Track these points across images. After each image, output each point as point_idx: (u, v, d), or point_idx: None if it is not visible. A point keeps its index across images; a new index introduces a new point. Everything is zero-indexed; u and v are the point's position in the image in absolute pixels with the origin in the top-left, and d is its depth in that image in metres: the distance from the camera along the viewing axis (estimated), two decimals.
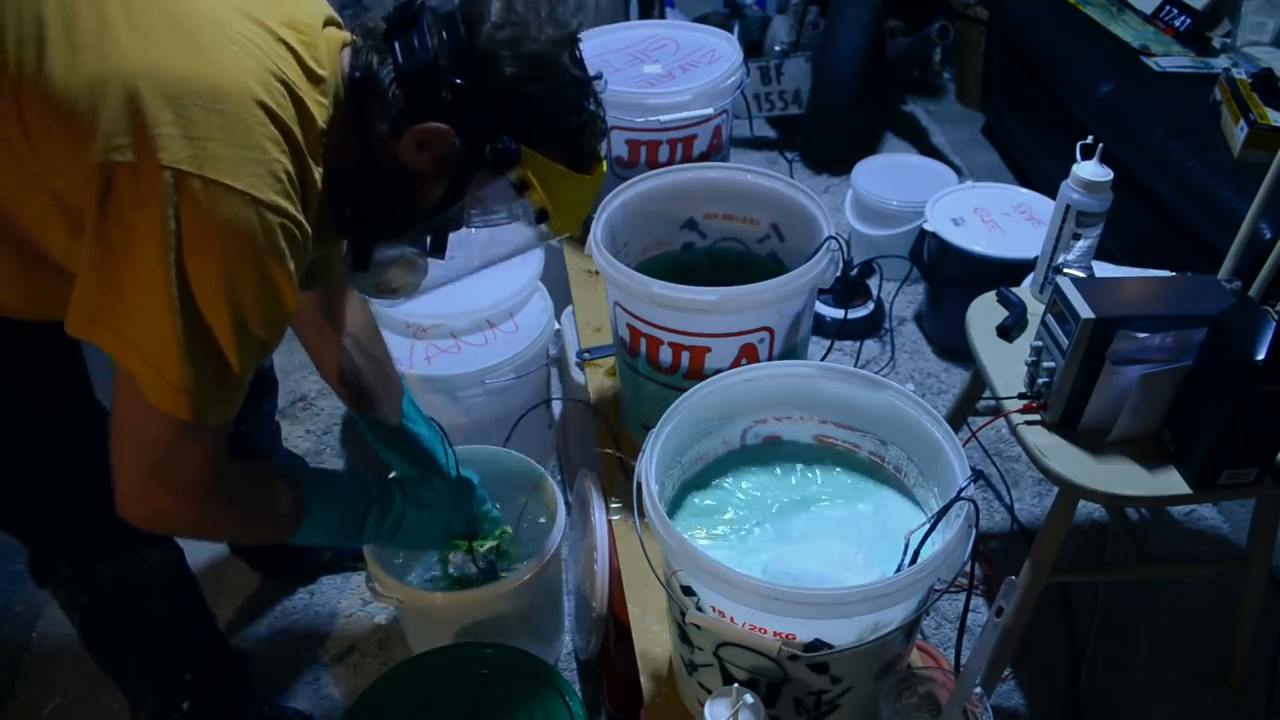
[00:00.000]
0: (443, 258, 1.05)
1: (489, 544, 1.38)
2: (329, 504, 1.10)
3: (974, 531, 0.84)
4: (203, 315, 0.82)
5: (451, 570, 1.38)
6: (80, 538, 1.15)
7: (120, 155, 0.78)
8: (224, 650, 1.40)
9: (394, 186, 0.96)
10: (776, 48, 2.97)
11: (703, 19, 2.97)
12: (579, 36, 0.99)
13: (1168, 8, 2.39)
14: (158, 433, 0.87)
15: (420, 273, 1.03)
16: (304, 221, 0.86)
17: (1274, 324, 1.10)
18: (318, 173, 0.89)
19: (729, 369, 1.03)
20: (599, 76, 1.02)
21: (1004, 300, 1.49)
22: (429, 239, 1.02)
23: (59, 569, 1.17)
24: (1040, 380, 1.28)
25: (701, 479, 1.05)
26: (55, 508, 1.12)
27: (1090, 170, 1.38)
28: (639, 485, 0.88)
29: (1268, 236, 1.64)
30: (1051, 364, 1.26)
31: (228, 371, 0.86)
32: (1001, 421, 1.32)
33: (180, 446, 0.89)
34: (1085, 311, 1.18)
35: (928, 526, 0.87)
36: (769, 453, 1.07)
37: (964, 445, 0.91)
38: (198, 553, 1.82)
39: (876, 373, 1.06)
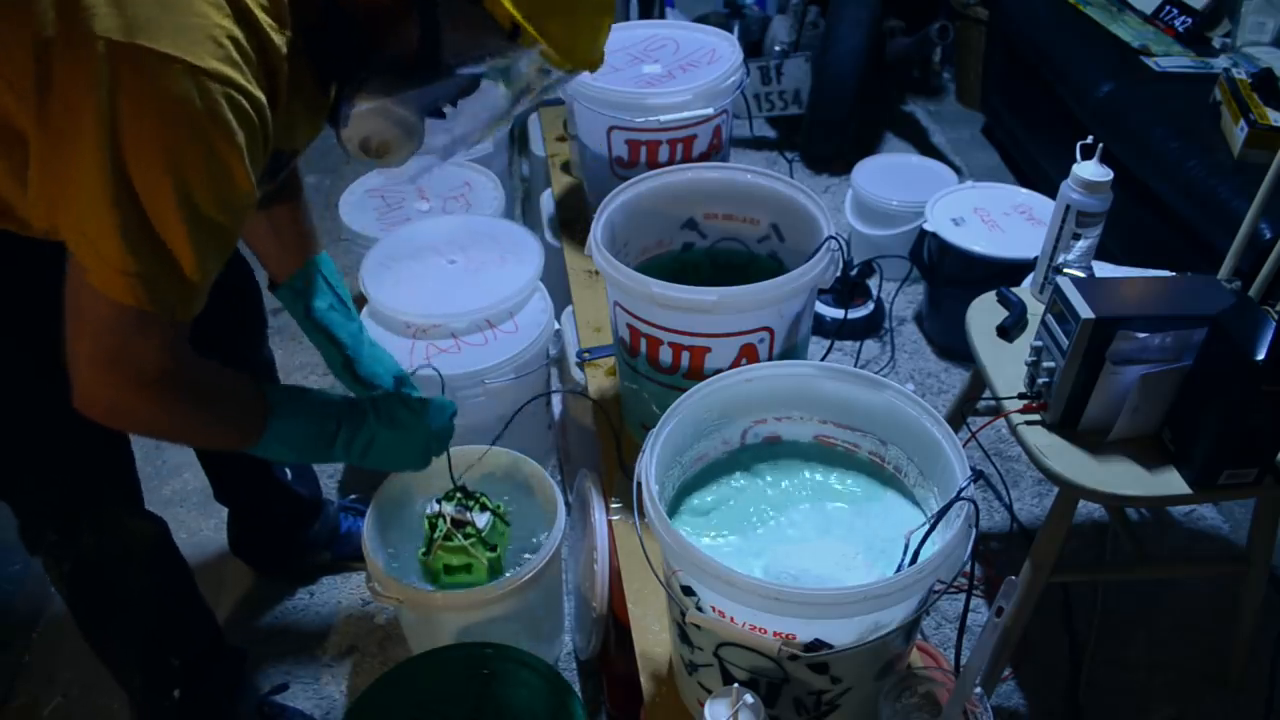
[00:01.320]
0: (441, 116, 1.00)
1: (485, 514, 1.33)
2: (296, 417, 1.06)
3: (974, 531, 0.84)
4: (139, 195, 0.78)
5: (436, 535, 1.32)
6: (62, 501, 1.15)
7: (51, 29, 0.75)
8: (218, 643, 1.40)
9: (365, 32, 0.92)
10: (776, 48, 2.97)
11: (703, 19, 2.97)
12: None
13: (1168, 8, 2.39)
14: (110, 320, 0.84)
15: (408, 129, 0.96)
16: (257, 93, 0.81)
17: (1274, 324, 1.10)
18: (282, 38, 0.85)
19: (729, 369, 1.03)
20: None
21: (1004, 300, 1.49)
22: (423, 95, 0.96)
23: (44, 534, 1.18)
24: (1040, 380, 1.28)
25: (701, 479, 1.05)
26: (40, 469, 1.12)
27: (1090, 170, 1.38)
28: (639, 485, 0.88)
29: (1268, 236, 1.64)
30: (1051, 364, 1.26)
31: (180, 257, 0.82)
32: (1001, 421, 1.32)
33: (135, 335, 0.86)
34: (1085, 311, 1.18)
35: (928, 526, 0.87)
36: (769, 453, 1.07)
37: (964, 445, 0.91)
38: (198, 552, 1.82)
39: (876, 373, 1.06)
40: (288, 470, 1.65)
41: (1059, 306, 1.24)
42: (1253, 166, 1.80)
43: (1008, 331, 1.43)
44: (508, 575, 1.36)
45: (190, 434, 1.06)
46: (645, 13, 2.77)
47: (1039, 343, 1.29)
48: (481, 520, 1.30)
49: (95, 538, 1.19)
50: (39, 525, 1.18)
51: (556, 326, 1.75)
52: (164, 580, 1.31)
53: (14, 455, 1.11)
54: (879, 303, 2.31)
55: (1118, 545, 1.77)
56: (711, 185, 1.33)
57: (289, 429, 1.05)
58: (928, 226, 2.08)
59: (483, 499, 1.34)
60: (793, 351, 1.22)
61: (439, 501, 1.31)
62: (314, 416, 1.09)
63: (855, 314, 2.26)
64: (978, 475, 0.86)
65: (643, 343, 1.19)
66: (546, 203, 1.90)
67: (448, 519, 1.29)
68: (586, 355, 1.48)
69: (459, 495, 1.32)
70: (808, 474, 1.05)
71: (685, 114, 1.49)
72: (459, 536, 1.29)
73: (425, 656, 1.26)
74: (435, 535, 1.29)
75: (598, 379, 1.44)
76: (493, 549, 1.31)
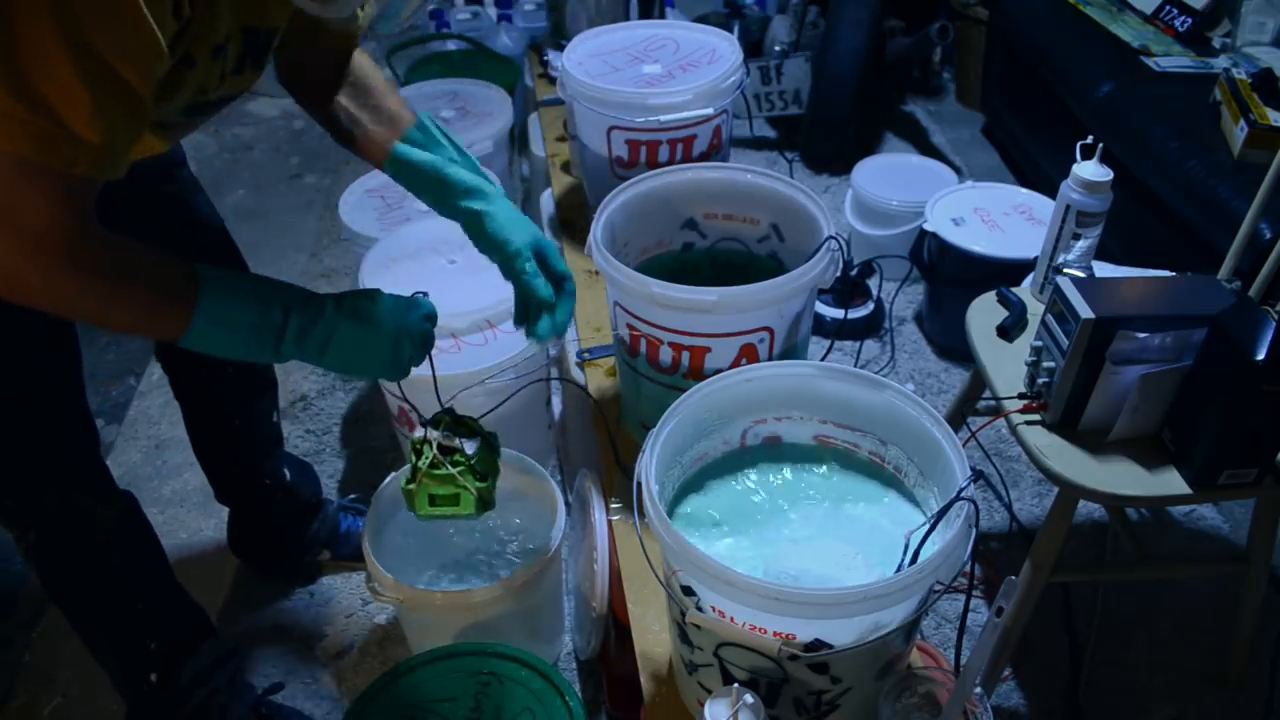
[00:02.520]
0: None
1: (475, 440, 1.20)
2: (233, 298, 0.92)
3: (974, 531, 0.84)
4: (15, 20, 0.72)
5: (421, 462, 1.19)
6: (22, 468, 1.16)
7: None
8: (203, 634, 1.40)
9: None
10: (776, 48, 2.97)
11: (703, 19, 2.97)
12: None
13: (1168, 8, 2.39)
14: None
15: None
16: None
17: (1274, 324, 1.10)
18: None
19: (729, 369, 1.03)
20: None
21: (1004, 300, 1.49)
22: None
23: (5, 501, 1.19)
24: (1040, 380, 1.28)
25: (701, 479, 1.05)
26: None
27: (1090, 170, 1.38)
28: (639, 485, 0.88)
29: (1268, 236, 1.64)
30: (1051, 364, 1.26)
31: (72, 102, 0.75)
32: (1001, 421, 1.32)
33: (20, 187, 0.78)
34: (1085, 311, 1.18)
35: (928, 526, 0.87)
36: (769, 453, 1.07)
37: (964, 445, 0.91)
38: (198, 552, 1.82)
39: (876, 373, 1.06)
40: (287, 471, 1.65)
41: (1059, 306, 1.24)
42: (1253, 166, 1.80)
43: (1008, 331, 1.43)
44: (508, 575, 1.37)
45: (103, 311, 0.90)
46: (645, 13, 2.77)
47: (1039, 343, 1.29)
48: (471, 447, 1.18)
49: (57, 508, 1.20)
50: (1, 493, 1.19)
51: None
52: (133, 560, 1.32)
53: None
54: (879, 303, 2.31)
55: (1118, 545, 1.77)
56: (711, 185, 1.33)
57: (225, 311, 0.91)
58: (928, 226, 2.08)
59: (473, 423, 1.22)
60: (793, 351, 1.22)
61: (424, 426, 1.20)
62: (255, 299, 0.94)
63: (855, 314, 2.26)
64: (978, 475, 0.86)
65: (643, 343, 1.19)
66: (546, 203, 1.90)
67: (434, 444, 1.18)
68: (586, 355, 1.48)
69: (446, 419, 1.21)
70: (808, 474, 1.05)
71: (685, 114, 1.49)
72: (447, 465, 1.17)
73: (425, 656, 1.26)
74: (420, 463, 1.16)
75: (598, 379, 1.44)
76: (483, 479, 1.19)
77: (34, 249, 0.81)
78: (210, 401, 1.54)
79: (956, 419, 1.64)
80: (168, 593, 1.38)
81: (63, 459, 1.19)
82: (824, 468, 1.06)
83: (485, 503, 1.20)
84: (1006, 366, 1.38)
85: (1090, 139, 1.40)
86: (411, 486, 1.18)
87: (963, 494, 0.85)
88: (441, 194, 1.14)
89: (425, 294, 1.10)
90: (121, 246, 0.87)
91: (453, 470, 1.17)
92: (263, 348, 0.95)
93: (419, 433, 1.20)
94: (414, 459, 1.19)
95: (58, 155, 0.77)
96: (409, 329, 1.04)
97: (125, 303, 0.89)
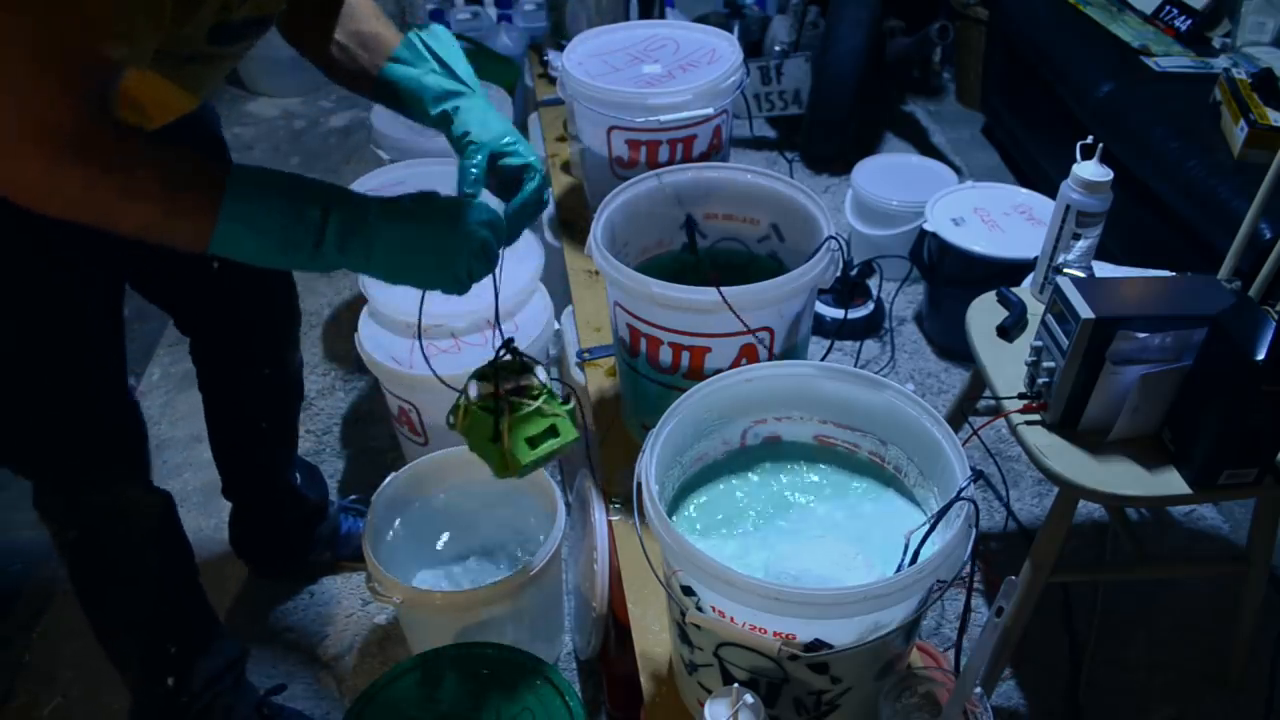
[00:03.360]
0: None
1: (537, 386, 1.08)
2: (263, 197, 0.84)
3: (974, 531, 0.84)
4: None
5: (503, 421, 1.05)
6: (70, 464, 1.16)
7: None
8: (213, 637, 1.40)
9: None
10: (776, 48, 2.97)
11: (703, 19, 2.97)
12: None
13: (1168, 8, 2.39)
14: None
15: None
16: None
17: (1274, 324, 1.10)
18: None
19: (729, 369, 1.03)
20: None
21: (1004, 300, 1.49)
22: None
23: (52, 498, 1.19)
24: (1040, 380, 1.28)
25: (701, 479, 1.05)
26: (48, 431, 1.13)
27: (1090, 170, 1.38)
28: (639, 485, 0.88)
29: (1268, 236, 1.64)
30: (1051, 364, 1.26)
31: None
32: (1001, 421, 1.32)
33: (25, 67, 0.73)
34: (1085, 311, 1.18)
35: (928, 526, 0.87)
36: (769, 453, 1.07)
37: (964, 445, 0.91)
38: (198, 551, 1.82)
39: (876, 373, 1.06)
40: (298, 475, 1.65)
41: (1059, 306, 1.24)
42: (1253, 166, 1.81)
43: (1008, 331, 1.43)
44: (507, 574, 1.36)
45: (113, 210, 0.82)
46: (645, 13, 2.77)
47: (1039, 343, 1.29)
48: (541, 373, 1.07)
49: (101, 504, 1.20)
50: (47, 489, 1.19)
51: (556, 326, 1.75)
52: (167, 559, 1.32)
53: (22, 417, 1.12)
54: (879, 303, 2.31)
55: (1118, 545, 1.77)
56: (711, 185, 1.33)
57: (254, 210, 0.83)
58: (928, 226, 2.08)
59: (519, 353, 1.11)
60: (793, 351, 1.22)
61: (476, 381, 1.08)
62: (289, 196, 0.86)
63: (855, 314, 2.26)
64: (978, 475, 0.86)
65: (643, 343, 1.19)
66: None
67: (504, 391, 1.05)
68: (586, 355, 1.47)
69: (505, 354, 1.08)
70: (808, 474, 1.05)
71: (685, 114, 1.49)
72: (527, 404, 1.06)
73: (425, 656, 1.26)
74: (501, 423, 1.03)
75: (598, 379, 1.44)
76: (566, 399, 1.09)
77: (38, 135, 0.75)
78: (240, 401, 1.54)
79: (956, 419, 1.64)
80: (191, 593, 1.38)
81: (112, 453, 1.19)
82: (824, 468, 1.06)
83: (578, 422, 1.11)
84: (1006, 366, 1.38)
85: (1090, 139, 1.40)
86: (502, 444, 1.04)
87: (963, 494, 0.85)
88: (420, 106, 1.11)
89: (473, 196, 1.02)
90: (136, 140, 0.81)
91: (536, 403, 1.07)
92: (299, 251, 0.87)
93: (473, 391, 1.09)
94: (490, 420, 1.05)
95: (67, 32, 0.72)
96: (467, 234, 0.94)
97: (138, 199, 0.81)
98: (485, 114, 1.09)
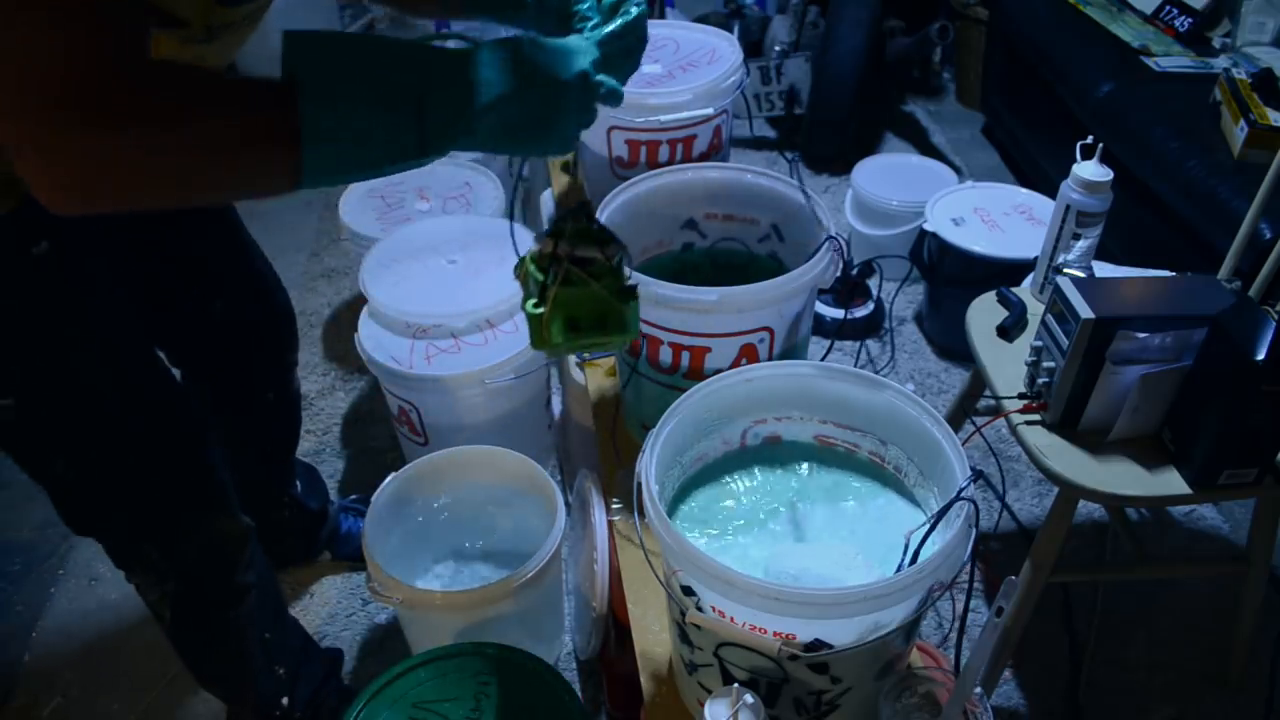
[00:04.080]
0: None
1: (603, 265, 0.89)
2: (347, 106, 0.69)
3: (974, 531, 0.84)
4: None
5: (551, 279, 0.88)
6: (163, 509, 1.12)
7: None
8: (310, 641, 1.41)
9: None
10: (776, 48, 2.97)
11: (703, 19, 2.97)
12: None
13: (1168, 8, 2.39)
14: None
15: None
16: None
17: (1274, 324, 1.10)
18: None
19: (729, 369, 1.03)
20: None
21: (1004, 300, 1.49)
22: None
23: (145, 551, 1.13)
24: (1040, 380, 1.28)
25: (701, 479, 1.05)
26: (136, 480, 1.09)
27: (1090, 170, 1.38)
28: (639, 485, 0.88)
29: (1268, 236, 1.64)
30: (1051, 364, 1.26)
31: None
32: (1001, 421, 1.32)
33: (40, 40, 0.60)
34: (1085, 311, 1.18)
35: (928, 526, 0.87)
36: (769, 453, 1.07)
37: (964, 445, 0.91)
38: None
39: (876, 373, 1.06)
40: (299, 483, 1.65)
41: (1059, 306, 1.24)
42: (1253, 166, 1.81)
43: (1008, 331, 1.43)
44: (507, 574, 1.36)
45: (193, 170, 0.68)
46: None
47: (1039, 343, 1.29)
48: (616, 258, 0.91)
49: (198, 545, 1.15)
50: (138, 543, 1.13)
51: None
52: (262, 586, 1.29)
53: (108, 471, 1.06)
54: (879, 303, 2.31)
55: (1118, 545, 1.77)
56: (711, 185, 1.33)
57: (340, 128, 0.68)
58: (928, 226, 2.08)
59: (604, 229, 0.92)
60: (793, 351, 1.22)
61: (546, 236, 0.91)
62: (376, 103, 0.70)
63: (855, 314, 2.26)
64: (978, 475, 0.86)
65: (643, 343, 1.19)
66: (546, 203, 1.90)
67: (564, 254, 0.88)
68: (587, 355, 1.47)
69: (585, 222, 0.91)
70: (808, 474, 1.05)
71: (685, 114, 1.49)
72: (583, 279, 0.88)
73: (425, 656, 1.26)
74: (548, 289, 0.88)
75: (598, 379, 1.44)
76: (630, 291, 0.90)
77: (87, 113, 0.61)
78: (244, 428, 1.51)
79: (956, 419, 1.64)
80: (285, 608, 1.38)
81: (203, 489, 1.15)
82: (824, 468, 1.06)
83: (635, 324, 0.92)
84: (1006, 366, 1.38)
85: (1090, 139, 1.40)
86: (540, 310, 0.88)
87: (963, 494, 0.85)
88: None
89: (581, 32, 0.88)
90: (177, 75, 0.66)
91: (594, 284, 0.89)
92: (403, 161, 0.75)
93: (527, 247, 0.93)
94: (538, 276, 0.90)
95: None
96: (578, 91, 0.80)
97: (225, 157, 0.68)
98: None
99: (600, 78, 0.81)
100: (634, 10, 0.90)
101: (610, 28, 0.88)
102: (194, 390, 1.40)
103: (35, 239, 0.91)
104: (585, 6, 0.92)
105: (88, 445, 1.04)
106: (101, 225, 0.96)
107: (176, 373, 1.26)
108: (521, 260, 0.92)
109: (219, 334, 1.34)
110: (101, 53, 0.62)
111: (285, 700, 1.35)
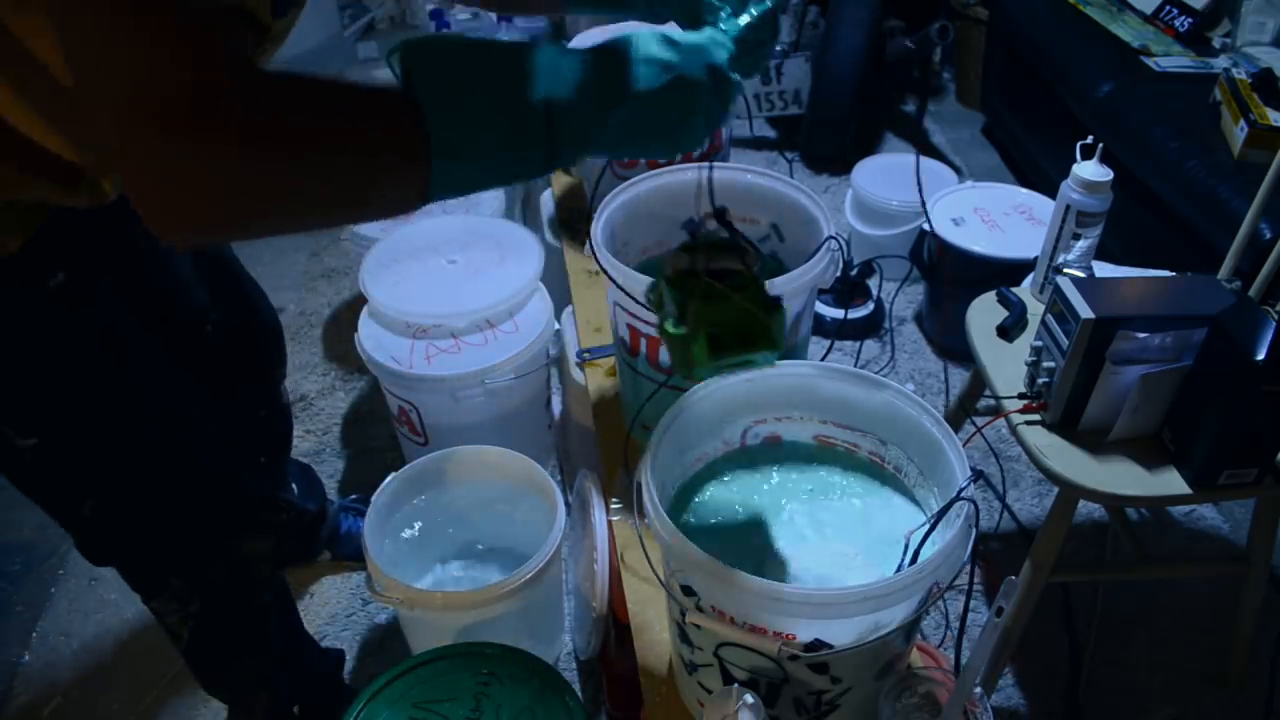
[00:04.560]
0: None
1: (747, 276, 0.83)
2: (473, 125, 0.65)
3: (974, 531, 0.84)
4: None
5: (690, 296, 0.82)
6: (188, 539, 1.10)
7: None
8: (313, 644, 1.40)
9: None
10: (777, 48, 2.97)
11: None
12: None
13: (1168, 8, 2.39)
14: (108, 45, 0.56)
15: None
16: None
17: (1274, 324, 1.10)
18: None
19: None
20: None
21: (1004, 300, 1.49)
22: None
23: (167, 579, 1.12)
24: (1040, 380, 1.28)
25: (702, 479, 1.05)
26: (166, 514, 1.07)
27: (1090, 170, 1.38)
28: (639, 485, 0.88)
29: (1268, 236, 1.64)
30: (1051, 364, 1.26)
31: None
32: (1001, 421, 1.32)
33: (146, 52, 0.56)
34: (1085, 311, 1.18)
35: (928, 526, 0.87)
36: (769, 453, 1.07)
37: (965, 445, 0.91)
38: None
39: (876, 373, 1.06)
40: (295, 486, 1.65)
41: (1059, 306, 1.24)
42: (1253, 166, 1.81)
43: (1008, 331, 1.43)
44: (507, 574, 1.36)
45: (314, 185, 0.63)
46: None
47: (1039, 343, 1.29)
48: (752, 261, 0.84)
49: (224, 565, 1.14)
50: (161, 570, 1.11)
51: (556, 326, 1.75)
52: (280, 599, 1.28)
53: (136, 504, 1.04)
54: (879, 303, 2.31)
55: (1118, 545, 1.77)
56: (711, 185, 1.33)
57: (469, 130, 0.65)
58: (928, 226, 2.08)
59: (738, 237, 0.86)
60: (793, 351, 1.22)
61: (682, 253, 0.85)
62: (501, 116, 0.66)
63: (855, 314, 2.26)
64: (978, 475, 0.86)
65: (643, 343, 1.19)
66: (546, 203, 1.90)
67: (705, 271, 0.82)
68: (586, 355, 1.47)
69: (720, 234, 0.85)
70: (808, 474, 1.05)
71: None
72: (726, 293, 0.82)
73: (425, 656, 1.26)
74: (689, 309, 0.82)
75: (598, 379, 1.44)
76: (776, 303, 0.84)
77: (198, 127, 0.57)
78: (237, 440, 1.51)
79: (957, 419, 1.64)
80: (298, 619, 1.37)
81: (229, 508, 1.14)
82: (824, 467, 1.06)
83: (782, 337, 0.86)
84: (1006, 366, 1.38)
85: (1090, 139, 1.40)
86: (681, 331, 0.82)
87: (963, 494, 0.85)
88: None
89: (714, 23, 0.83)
90: (296, 78, 0.61)
91: (738, 296, 0.83)
92: (531, 172, 0.72)
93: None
94: (674, 294, 0.83)
95: None
96: (712, 90, 0.76)
97: (346, 170, 0.63)
98: None
99: (735, 75, 0.77)
100: (768, 2, 0.84)
101: (745, 20, 0.83)
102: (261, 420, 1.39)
103: (51, 271, 0.88)
104: None
105: (116, 481, 1.01)
106: (110, 253, 0.95)
107: None
108: (655, 281, 0.87)
109: (210, 356, 1.33)
110: (216, 63, 0.58)
111: (296, 709, 1.35)
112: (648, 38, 0.73)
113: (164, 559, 1.10)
